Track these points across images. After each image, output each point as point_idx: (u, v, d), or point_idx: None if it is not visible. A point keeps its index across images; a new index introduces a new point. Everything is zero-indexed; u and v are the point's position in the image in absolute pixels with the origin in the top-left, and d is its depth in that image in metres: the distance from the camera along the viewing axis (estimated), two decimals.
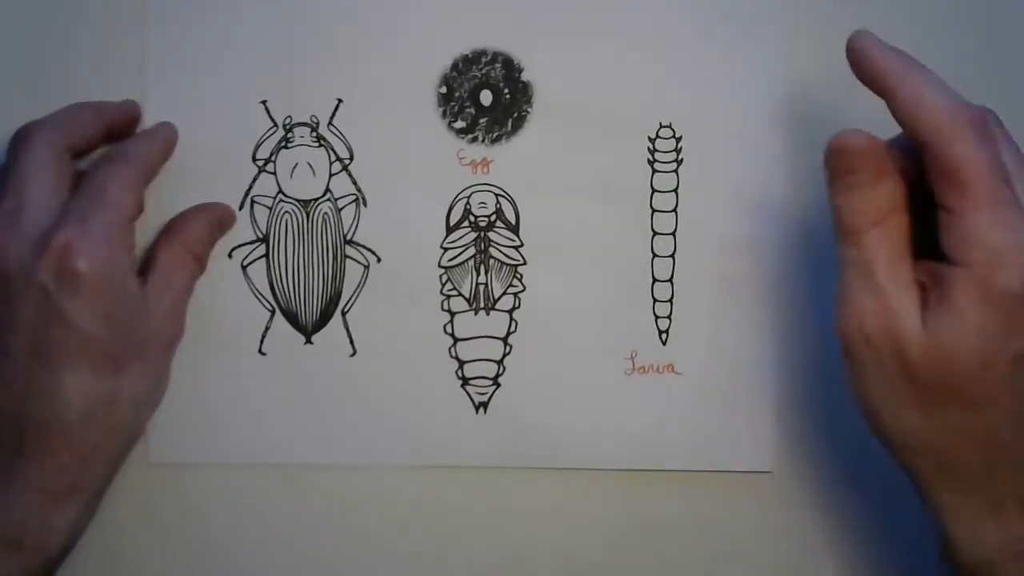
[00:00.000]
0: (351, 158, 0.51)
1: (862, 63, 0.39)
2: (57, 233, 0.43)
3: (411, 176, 0.51)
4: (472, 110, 0.51)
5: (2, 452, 0.44)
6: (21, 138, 0.46)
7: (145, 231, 0.49)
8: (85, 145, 0.47)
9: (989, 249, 0.36)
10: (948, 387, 0.37)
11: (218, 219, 0.50)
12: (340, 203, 0.51)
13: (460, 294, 0.51)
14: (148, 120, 0.50)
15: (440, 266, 0.51)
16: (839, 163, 0.38)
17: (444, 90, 0.50)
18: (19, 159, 0.45)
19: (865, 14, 0.51)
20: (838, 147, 0.38)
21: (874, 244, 0.38)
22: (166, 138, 0.49)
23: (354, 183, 0.51)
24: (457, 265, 0.51)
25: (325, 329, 0.51)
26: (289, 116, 0.50)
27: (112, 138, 0.48)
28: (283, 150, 0.51)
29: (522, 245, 0.51)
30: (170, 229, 0.49)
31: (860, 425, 0.50)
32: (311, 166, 0.51)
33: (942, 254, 0.37)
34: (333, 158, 0.51)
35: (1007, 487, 0.38)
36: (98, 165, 0.46)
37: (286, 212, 0.51)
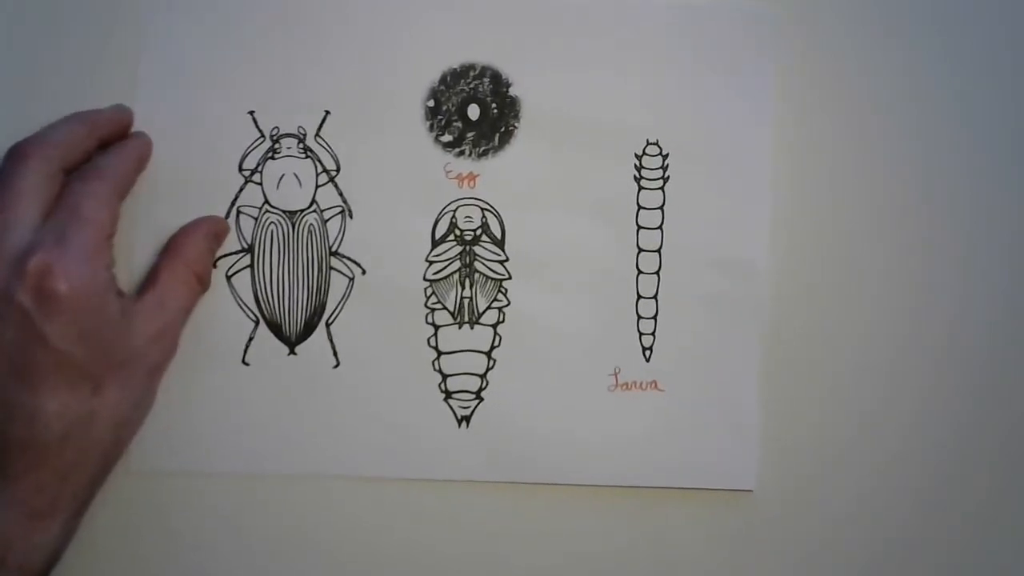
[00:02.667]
0: (338, 170, 0.51)
1: None
2: (35, 254, 0.43)
3: (397, 189, 0.51)
4: (459, 124, 0.51)
5: None
6: (16, 157, 0.45)
7: (135, 243, 0.49)
8: (78, 161, 0.47)
9: None
10: None
11: (215, 233, 0.50)
12: (326, 215, 0.51)
13: (445, 307, 0.51)
14: (137, 128, 0.50)
15: (425, 279, 0.51)
16: None
17: (432, 103, 0.50)
18: (12, 180, 0.45)
19: (855, 43, 0.51)
20: None
21: None
22: (139, 150, 0.49)
23: (340, 195, 0.51)
24: (442, 278, 0.51)
25: (309, 340, 0.51)
26: (276, 127, 0.51)
27: (104, 147, 0.48)
28: (270, 161, 0.51)
29: (507, 259, 0.51)
30: (171, 248, 0.49)
31: (842, 445, 0.51)
32: (297, 177, 0.51)
33: None
34: (320, 169, 0.51)
35: None
36: (72, 182, 0.46)
37: (272, 223, 0.51)
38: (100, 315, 0.44)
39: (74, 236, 0.44)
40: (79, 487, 0.45)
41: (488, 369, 0.51)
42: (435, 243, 0.51)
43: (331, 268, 0.51)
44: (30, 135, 0.47)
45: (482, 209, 0.51)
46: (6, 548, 0.43)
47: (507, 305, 0.51)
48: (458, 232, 0.51)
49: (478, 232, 0.51)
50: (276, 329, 0.51)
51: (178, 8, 0.50)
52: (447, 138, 0.51)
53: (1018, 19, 0.52)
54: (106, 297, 0.45)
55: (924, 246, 0.51)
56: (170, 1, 0.50)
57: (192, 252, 0.49)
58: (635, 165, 0.51)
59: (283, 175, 0.51)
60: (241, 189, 0.51)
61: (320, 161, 0.51)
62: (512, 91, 0.51)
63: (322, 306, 0.51)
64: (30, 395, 0.43)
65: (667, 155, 0.51)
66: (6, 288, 0.43)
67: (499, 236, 0.51)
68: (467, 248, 0.51)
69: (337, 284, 0.51)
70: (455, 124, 0.51)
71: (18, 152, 0.46)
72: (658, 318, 0.51)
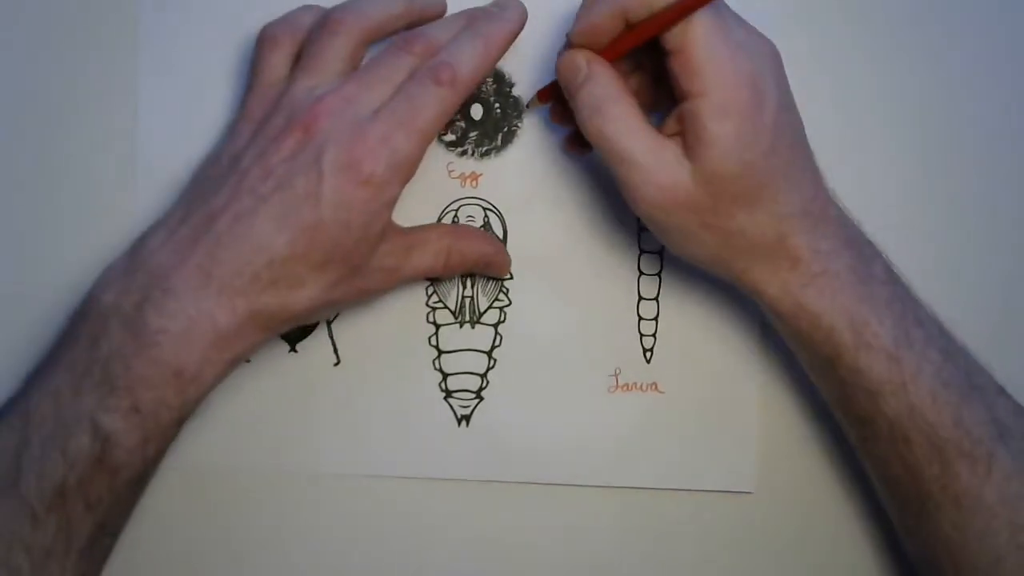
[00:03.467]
0: None
1: None
2: (374, 124, 0.43)
3: None
4: (462, 124, 0.51)
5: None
6: (328, 25, 0.45)
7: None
8: (386, 36, 0.47)
9: (716, 74, 0.41)
10: (728, 201, 0.43)
11: (493, 262, 0.50)
12: None
13: (446, 306, 0.51)
14: (140, 122, 0.50)
15: (426, 278, 0.51)
16: (565, 71, 0.44)
17: None
18: (320, 48, 0.45)
19: (855, 41, 0.51)
20: (558, 63, 0.45)
21: (620, 133, 0.43)
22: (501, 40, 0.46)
23: None
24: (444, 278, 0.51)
25: (310, 338, 0.51)
26: None
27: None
28: None
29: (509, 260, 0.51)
30: (457, 228, 0.50)
31: (842, 448, 0.51)
32: None
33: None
34: None
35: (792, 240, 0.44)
36: (425, 78, 0.44)
37: None
38: (372, 217, 0.43)
39: (401, 141, 0.43)
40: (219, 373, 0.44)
41: (489, 368, 0.51)
42: None
43: None
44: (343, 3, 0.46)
45: (484, 209, 0.51)
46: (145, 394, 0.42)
47: (508, 305, 0.51)
48: None
49: None
50: None
51: (177, 6, 0.50)
52: (450, 137, 0.51)
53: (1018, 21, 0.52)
54: (384, 211, 0.44)
55: (926, 247, 0.51)
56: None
57: (468, 248, 0.49)
58: None
59: None
60: None
61: None
62: (515, 91, 0.51)
63: None
64: (262, 250, 0.43)
65: None
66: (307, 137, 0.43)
67: (501, 236, 0.51)
68: None
69: None
70: (458, 123, 0.51)
71: (330, 21, 0.45)
72: (659, 320, 0.51)
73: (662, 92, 0.45)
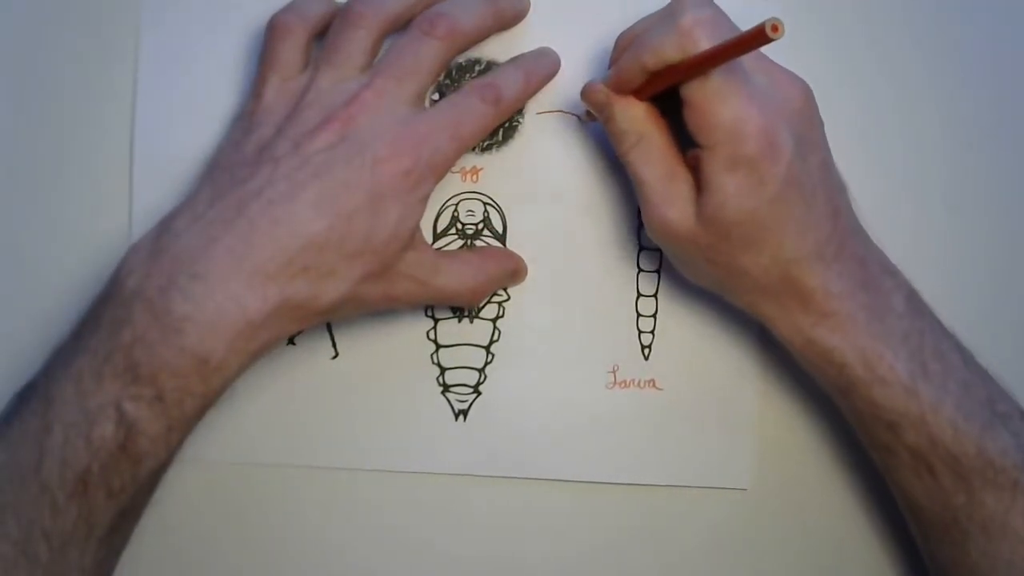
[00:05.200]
0: None
1: None
2: (418, 123, 0.45)
3: None
4: None
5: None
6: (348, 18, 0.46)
7: (133, 235, 0.50)
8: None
9: (725, 130, 0.41)
10: (730, 244, 0.43)
11: (515, 271, 0.51)
12: None
13: None
14: (139, 119, 0.50)
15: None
16: (590, 105, 0.46)
17: (437, 97, 0.50)
18: (342, 42, 0.46)
19: (856, 38, 0.51)
20: (583, 93, 0.46)
21: (638, 162, 0.45)
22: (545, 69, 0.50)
23: None
24: None
25: (308, 331, 0.51)
26: None
27: None
28: None
29: None
30: (486, 251, 0.50)
31: (837, 446, 0.51)
32: None
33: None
34: None
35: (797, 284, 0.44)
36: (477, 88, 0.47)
37: None
38: (407, 210, 0.44)
39: (442, 141, 0.45)
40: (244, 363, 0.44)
41: (487, 363, 0.51)
42: (436, 236, 0.51)
43: None
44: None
45: (484, 203, 0.51)
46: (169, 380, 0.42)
47: (507, 300, 0.51)
48: (460, 226, 0.51)
49: (480, 226, 0.51)
50: None
51: (177, 3, 0.50)
52: None
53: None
54: (419, 205, 0.45)
55: (927, 247, 0.51)
56: None
57: (494, 269, 0.49)
58: None
59: None
60: None
61: None
62: None
63: None
64: (298, 235, 0.43)
65: None
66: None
67: (500, 231, 0.51)
68: (468, 242, 0.51)
69: None
70: None
71: (352, 14, 0.46)
72: (658, 316, 0.51)
73: None
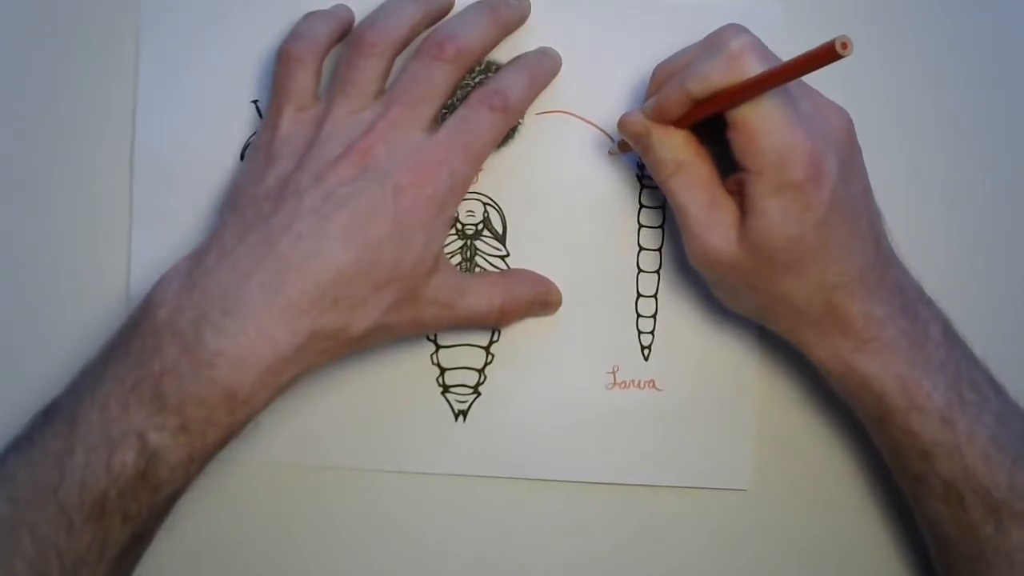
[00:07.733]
0: None
1: None
2: (435, 147, 0.45)
3: None
4: None
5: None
6: (360, 45, 0.46)
7: (132, 232, 0.50)
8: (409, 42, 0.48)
9: (772, 153, 0.41)
10: (773, 269, 0.43)
11: (546, 302, 0.50)
12: None
13: None
14: (139, 115, 0.50)
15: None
16: (628, 135, 0.46)
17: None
18: (355, 72, 0.46)
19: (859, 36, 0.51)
20: (620, 124, 0.46)
21: (679, 189, 0.45)
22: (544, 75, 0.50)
23: None
24: None
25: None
26: None
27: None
28: None
29: (508, 255, 0.51)
30: (511, 276, 0.50)
31: (837, 447, 0.51)
32: None
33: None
34: None
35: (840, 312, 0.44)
36: (478, 108, 0.46)
37: None
38: (432, 235, 0.45)
39: (459, 163, 0.45)
40: (270, 397, 0.44)
41: (486, 364, 0.51)
42: None
43: None
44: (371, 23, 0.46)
45: (484, 203, 0.51)
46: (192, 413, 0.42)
47: None
48: (460, 226, 0.51)
49: (479, 226, 0.51)
50: None
51: (179, 7, 0.50)
52: None
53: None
54: (443, 229, 0.46)
55: (927, 247, 0.51)
56: None
57: (522, 291, 0.49)
58: (638, 163, 0.50)
59: None
60: None
61: None
62: None
63: None
64: (328, 269, 0.43)
65: None
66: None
67: (500, 231, 0.51)
68: (468, 242, 0.51)
69: None
70: None
71: (363, 44, 0.46)
72: (657, 317, 0.51)
73: None
